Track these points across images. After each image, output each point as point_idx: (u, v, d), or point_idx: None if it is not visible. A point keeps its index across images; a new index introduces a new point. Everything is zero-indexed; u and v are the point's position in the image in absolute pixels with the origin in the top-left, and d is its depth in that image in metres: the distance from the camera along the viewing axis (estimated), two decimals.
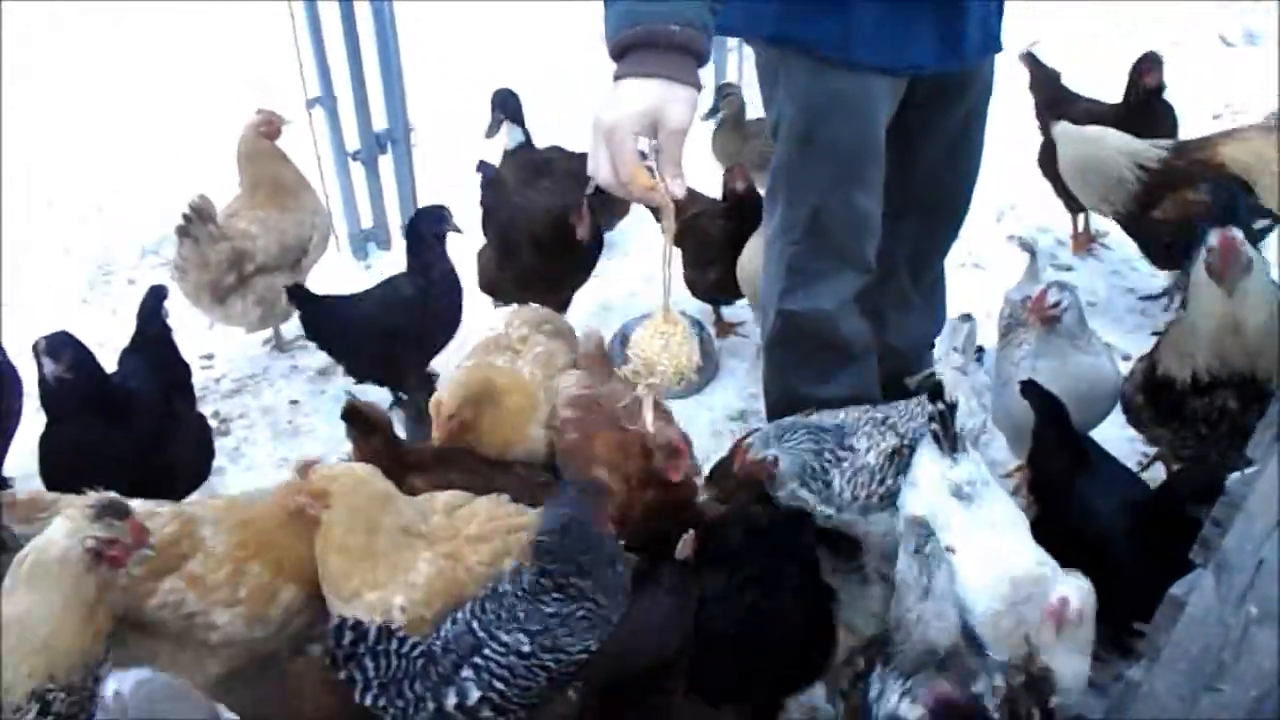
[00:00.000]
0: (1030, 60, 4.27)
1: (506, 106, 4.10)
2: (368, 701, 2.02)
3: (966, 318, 2.62)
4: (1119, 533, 2.43)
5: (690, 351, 1.99)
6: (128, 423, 2.76)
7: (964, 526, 2.27)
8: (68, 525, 2.01)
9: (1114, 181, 3.50)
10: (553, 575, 2.11)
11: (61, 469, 2.69)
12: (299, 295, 3.46)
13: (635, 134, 1.70)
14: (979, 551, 2.23)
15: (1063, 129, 3.63)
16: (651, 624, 2.20)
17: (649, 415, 2.09)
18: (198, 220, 3.48)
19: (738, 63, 5.29)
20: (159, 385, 2.99)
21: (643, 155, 1.73)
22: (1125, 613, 2.30)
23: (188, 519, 2.35)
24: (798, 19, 2.44)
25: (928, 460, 2.37)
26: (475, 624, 2.12)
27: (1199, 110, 4.60)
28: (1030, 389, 2.63)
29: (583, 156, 4.02)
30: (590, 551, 2.12)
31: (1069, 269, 4.24)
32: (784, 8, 2.44)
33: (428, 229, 3.35)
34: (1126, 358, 3.67)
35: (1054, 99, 4.14)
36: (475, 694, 2.05)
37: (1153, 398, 2.78)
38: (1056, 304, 2.73)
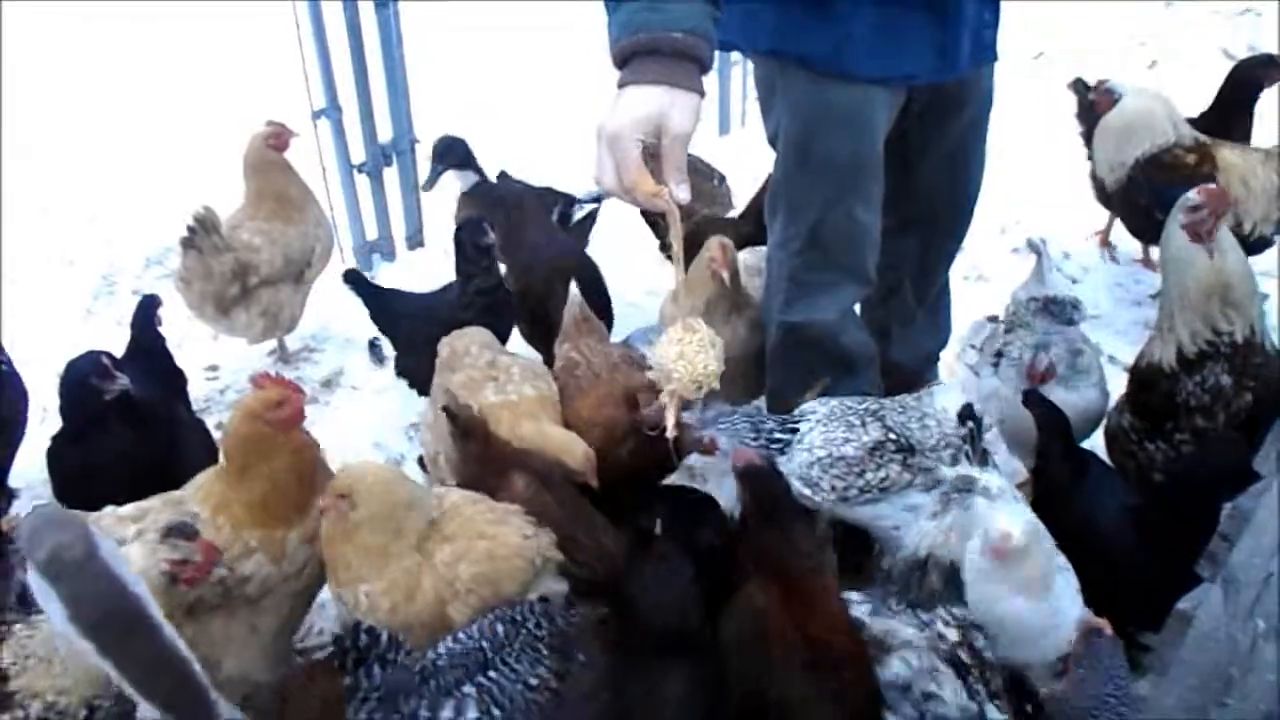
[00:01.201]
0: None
1: (447, 157, 3.95)
2: (363, 716, 1.98)
3: (994, 319, 2.59)
4: (1122, 541, 2.43)
5: (708, 359, 2.00)
6: (137, 431, 2.74)
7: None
8: (144, 548, 2.06)
9: (1148, 143, 3.59)
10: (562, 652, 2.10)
11: (72, 478, 2.70)
12: (355, 279, 3.58)
13: (639, 140, 1.72)
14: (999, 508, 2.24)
15: (1128, 84, 3.70)
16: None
17: (671, 420, 2.10)
18: (202, 231, 3.48)
19: (742, 76, 5.31)
20: (159, 393, 2.98)
21: (646, 161, 1.74)
22: (1130, 621, 2.30)
23: (174, 500, 2.36)
24: (793, 32, 2.44)
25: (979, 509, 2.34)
26: (486, 644, 2.10)
27: None
28: (1032, 398, 2.63)
29: (546, 191, 3.98)
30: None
31: (1074, 281, 4.24)
32: (779, 21, 2.44)
33: (466, 239, 3.37)
34: (1129, 370, 3.68)
35: None
36: (472, 713, 2.02)
37: (1142, 402, 2.76)
38: (1047, 368, 2.78)
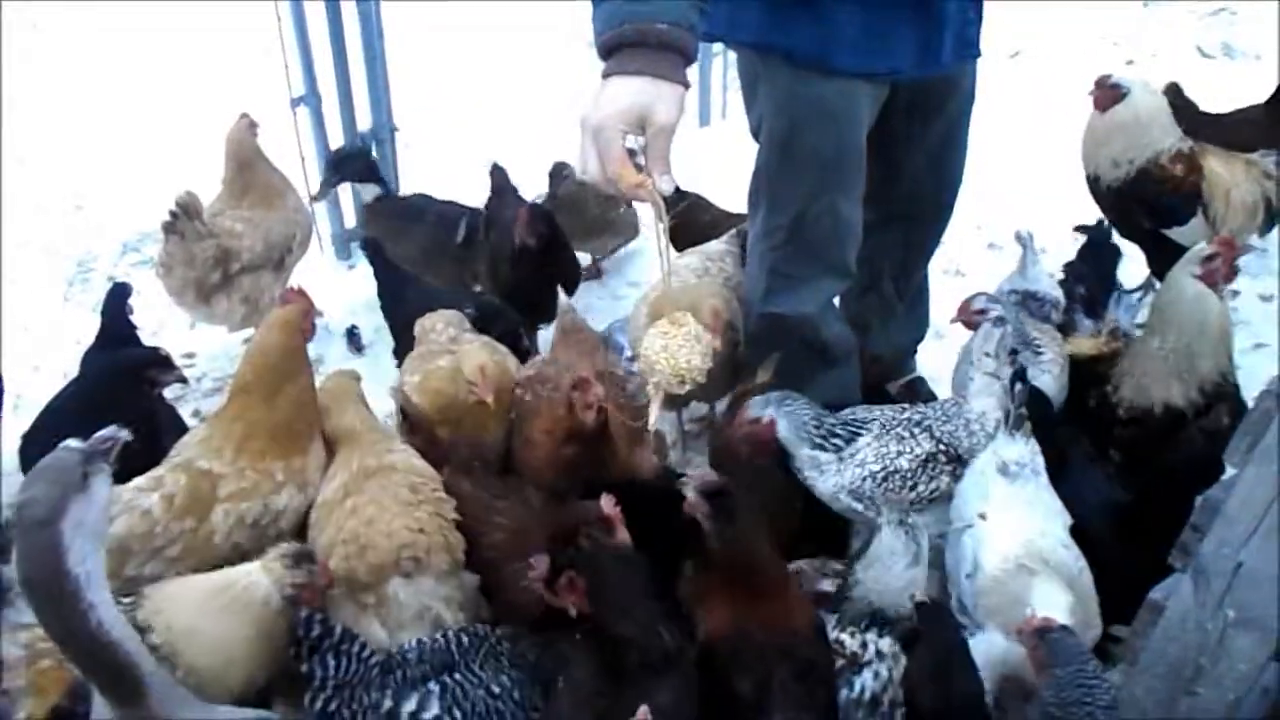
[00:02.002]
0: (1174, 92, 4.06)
1: (344, 168, 3.87)
2: (318, 706, 1.99)
3: (1000, 321, 2.60)
4: (1098, 535, 2.45)
5: (692, 354, 2.01)
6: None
7: (1000, 498, 2.36)
8: (269, 576, 2.14)
9: (1148, 143, 3.44)
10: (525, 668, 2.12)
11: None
12: (374, 246, 3.64)
13: (623, 132, 1.72)
14: (1007, 521, 2.32)
15: (1136, 80, 3.53)
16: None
17: (654, 413, 2.11)
18: (184, 217, 3.46)
19: (723, 68, 5.31)
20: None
21: (631, 153, 1.75)
22: (1107, 615, 2.33)
23: (182, 464, 2.41)
24: (778, 26, 2.45)
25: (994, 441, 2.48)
26: (455, 647, 2.13)
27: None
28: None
29: (449, 203, 3.86)
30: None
31: (1051, 275, 4.27)
32: (764, 14, 2.45)
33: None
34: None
35: (1194, 125, 3.81)
36: (435, 708, 2.03)
37: (1133, 441, 2.78)
38: (980, 311, 2.77)
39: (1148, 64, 5.68)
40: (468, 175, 4.53)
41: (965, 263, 4.26)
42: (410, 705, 2.02)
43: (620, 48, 1.76)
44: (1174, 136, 3.44)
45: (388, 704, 2.02)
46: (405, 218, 3.82)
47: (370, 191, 3.91)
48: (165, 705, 1.62)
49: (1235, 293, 4.00)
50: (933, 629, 2.01)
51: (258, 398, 2.47)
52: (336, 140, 4.26)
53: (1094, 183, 3.61)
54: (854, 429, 2.58)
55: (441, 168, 4.14)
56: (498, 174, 3.84)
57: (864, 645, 2.16)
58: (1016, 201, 4.46)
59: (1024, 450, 2.40)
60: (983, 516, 2.30)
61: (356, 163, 3.85)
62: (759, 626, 2.05)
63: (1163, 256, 3.53)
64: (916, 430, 2.57)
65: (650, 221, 2.63)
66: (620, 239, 4.22)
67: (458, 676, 2.07)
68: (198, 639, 2.06)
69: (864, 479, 2.51)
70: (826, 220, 2.69)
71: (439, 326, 3.07)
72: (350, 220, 4.48)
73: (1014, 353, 2.74)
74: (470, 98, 5.49)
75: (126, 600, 2.06)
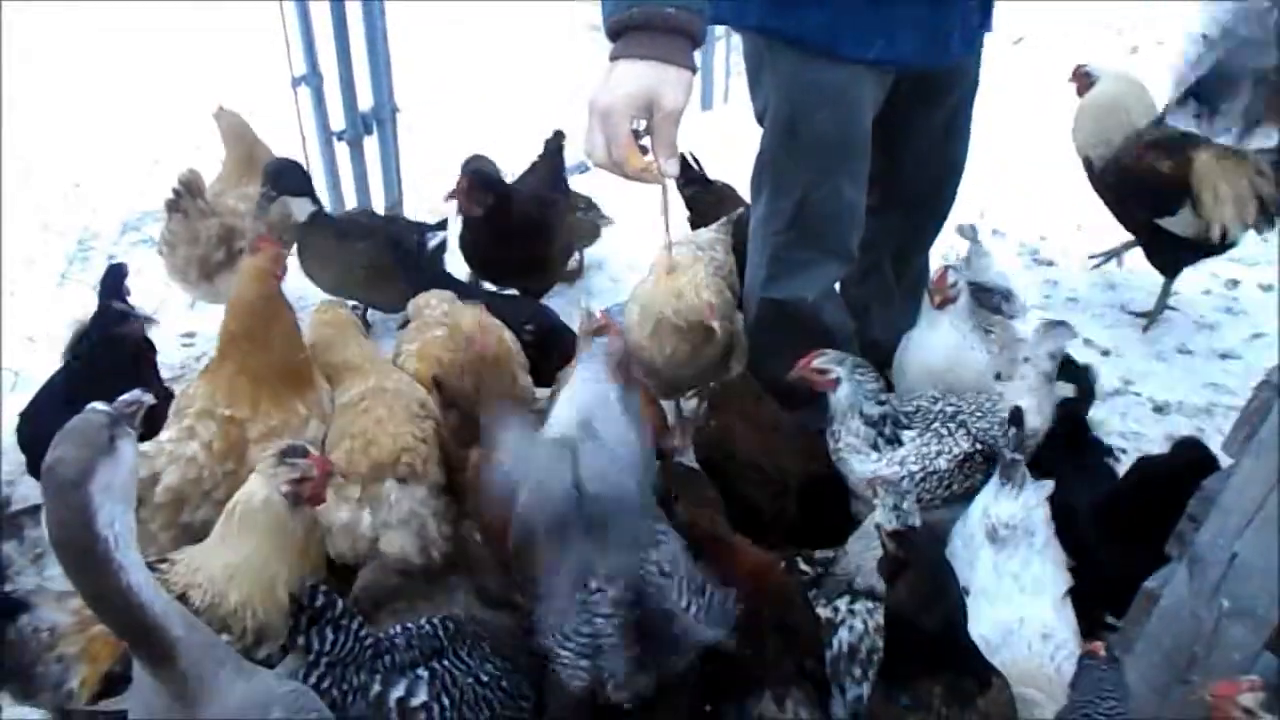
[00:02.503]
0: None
1: (280, 182, 3.57)
2: (312, 680, 1.97)
3: (1060, 324, 2.51)
4: (1095, 530, 2.45)
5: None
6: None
7: (986, 569, 2.22)
8: (261, 477, 2.16)
9: (1136, 123, 3.60)
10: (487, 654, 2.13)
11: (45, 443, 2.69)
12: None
13: (630, 116, 1.72)
14: (986, 604, 2.16)
15: (1105, 68, 3.75)
16: None
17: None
18: (187, 195, 3.45)
19: (725, 52, 5.30)
20: (130, 362, 2.94)
21: (636, 135, 1.75)
22: (1099, 602, 2.34)
23: (205, 412, 2.48)
24: (784, 10, 2.43)
25: (987, 488, 2.34)
26: (442, 633, 2.12)
27: None
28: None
29: (386, 219, 3.82)
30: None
31: (1050, 264, 4.28)
32: (770, 0, 2.44)
33: None
34: (1105, 353, 3.73)
35: None
36: (423, 694, 2.02)
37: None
38: (954, 285, 2.78)
39: (1152, 51, 5.66)
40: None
41: (966, 250, 4.26)
42: (399, 691, 2.01)
43: (628, 30, 1.76)
44: (1142, 123, 3.59)
45: (376, 688, 2.01)
46: (345, 235, 3.59)
47: (304, 208, 3.60)
48: (198, 667, 1.61)
49: (1235, 282, 4.01)
50: (918, 552, 1.97)
51: (252, 347, 2.52)
52: (338, 121, 4.25)
53: (1088, 168, 3.68)
54: (904, 421, 2.54)
55: (443, 149, 4.12)
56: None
57: (835, 610, 2.19)
58: (1019, 188, 4.46)
59: (1016, 507, 2.25)
60: (965, 590, 2.12)
61: (291, 176, 3.61)
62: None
63: (1159, 248, 3.66)
64: (954, 427, 2.54)
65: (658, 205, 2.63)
66: (581, 244, 4.16)
67: (446, 663, 2.07)
68: (233, 574, 2.11)
69: (902, 478, 2.48)
70: (831, 204, 2.68)
71: (433, 302, 3.07)
72: (351, 200, 4.48)
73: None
74: (473, 79, 5.47)
75: (161, 567, 2.13)
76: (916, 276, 3.29)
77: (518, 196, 3.60)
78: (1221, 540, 1.89)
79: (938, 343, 2.79)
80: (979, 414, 2.56)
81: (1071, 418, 2.71)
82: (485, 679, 2.07)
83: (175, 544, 2.31)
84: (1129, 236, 3.90)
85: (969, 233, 3.21)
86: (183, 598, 2.07)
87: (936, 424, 2.55)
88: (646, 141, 1.77)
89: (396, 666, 2.04)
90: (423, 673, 2.04)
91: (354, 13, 4.05)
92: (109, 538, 1.52)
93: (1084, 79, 3.80)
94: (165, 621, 1.58)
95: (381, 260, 3.55)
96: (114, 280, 3.10)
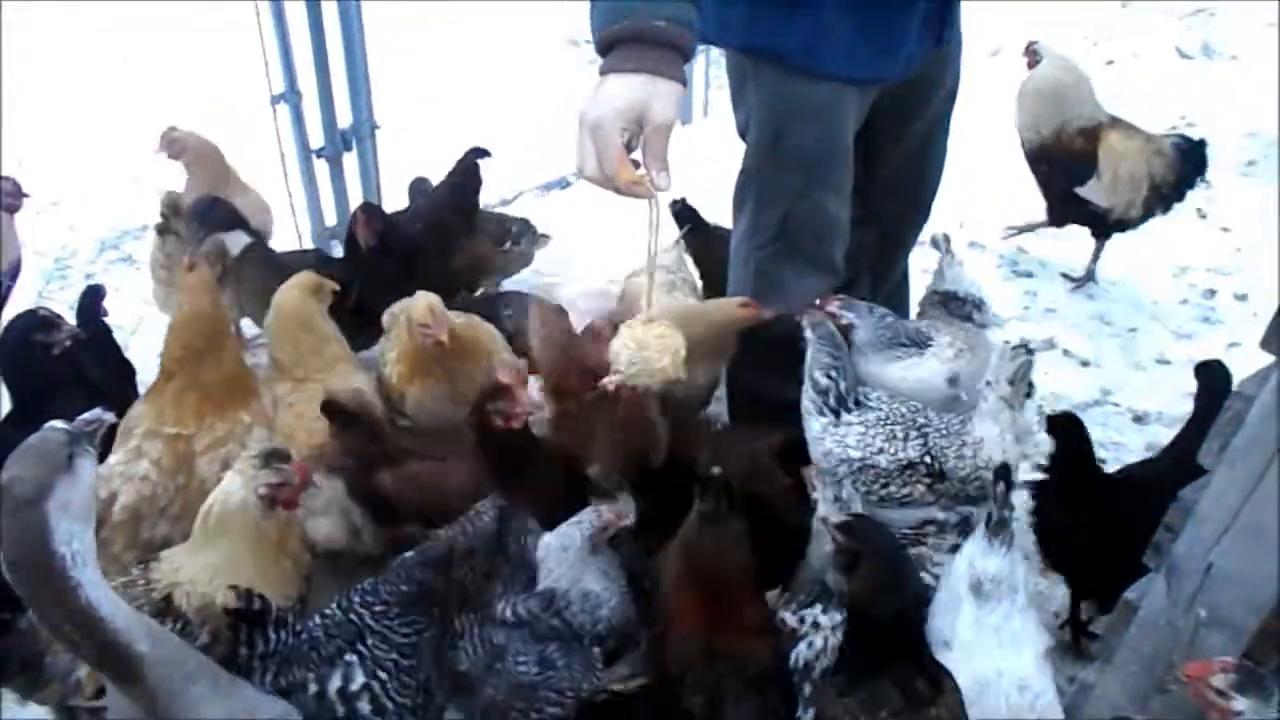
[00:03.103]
0: None
1: (209, 220, 3.48)
2: (268, 679, 2.00)
3: (1025, 349, 2.46)
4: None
5: (663, 359, 2.00)
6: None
7: (967, 622, 2.16)
8: (240, 477, 2.17)
9: (1065, 114, 3.88)
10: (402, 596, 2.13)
11: None
12: None
13: (621, 129, 1.71)
14: (966, 657, 2.11)
15: (1053, 51, 3.93)
16: None
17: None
18: (174, 216, 3.44)
19: (705, 66, 5.32)
20: (107, 379, 2.94)
21: (628, 149, 1.73)
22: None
23: (151, 432, 2.51)
24: (766, 27, 2.45)
25: (970, 540, 2.27)
26: (354, 617, 2.11)
27: (1157, 120, 4.68)
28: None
29: (315, 252, 3.75)
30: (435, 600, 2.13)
31: (1029, 275, 4.30)
32: (753, 16, 2.45)
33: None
34: (1085, 364, 3.75)
35: None
36: (360, 678, 2.03)
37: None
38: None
39: (1128, 63, 5.72)
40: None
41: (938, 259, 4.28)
42: (336, 681, 2.03)
43: (618, 44, 1.75)
44: (1084, 109, 3.85)
45: (314, 686, 2.02)
46: (278, 270, 3.38)
47: (237, 241, 3.48)
48: (167, 682, 1.62)
49: (1212, 292, 4.04)
50: (869, 541, 2.01)
51: (204, 359, 2.56)
52: (317, 138, 4.25)
53: (1022, 141, 3.93)
54: (862, 400, 2.57)
55: (423, 166, 4.11)
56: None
57: (802, 620, 2.19)
58: (998, 200, 4.49)
59: (1003, 564, 2.17)
60: (947, 645, 2.11)
61: (218, 212, 3.48)
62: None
63: (1065, 210, 4.05)
64: (914, 434, 2.52)
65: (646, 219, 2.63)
66: (510, 273, 4.08)
67: (370, 642, 2.08)
68: (215, 574, 2.13)
69: (840, 462, 2.50)
70: (815, 218, 2.70)
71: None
72: (331, 218, 4.47)
73: (1031, 385, 2.59)
74: (453, 96, 5.47)
75: (138, 570, 2.17)
76: (896, 287, 3.31)
77: (404, 222, 3.54)
78: (1198, 550, 1.89)
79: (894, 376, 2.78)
80: (943, 432, 2.53)
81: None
82: (407, 649, 2.08)
83: (138, 561, 2.31)
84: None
85: (940, 243, 3.22)
86: (167, 599, 2.10)
87: (895, 425, 2.53)
88: (638, 155, 1.76)
89: (325, 659, 2.06)
90: (351, 658, 2.06)
91: (332, 30, 4.05)
92: (66, 555, 1.51)
93: (1032, 55, 3.99)
94: (128, 638, 1.58)
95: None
96: (92, 301, 3.09)
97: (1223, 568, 1.86)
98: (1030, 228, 4.35)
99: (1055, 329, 3.84)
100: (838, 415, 2.54)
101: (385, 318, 3.11)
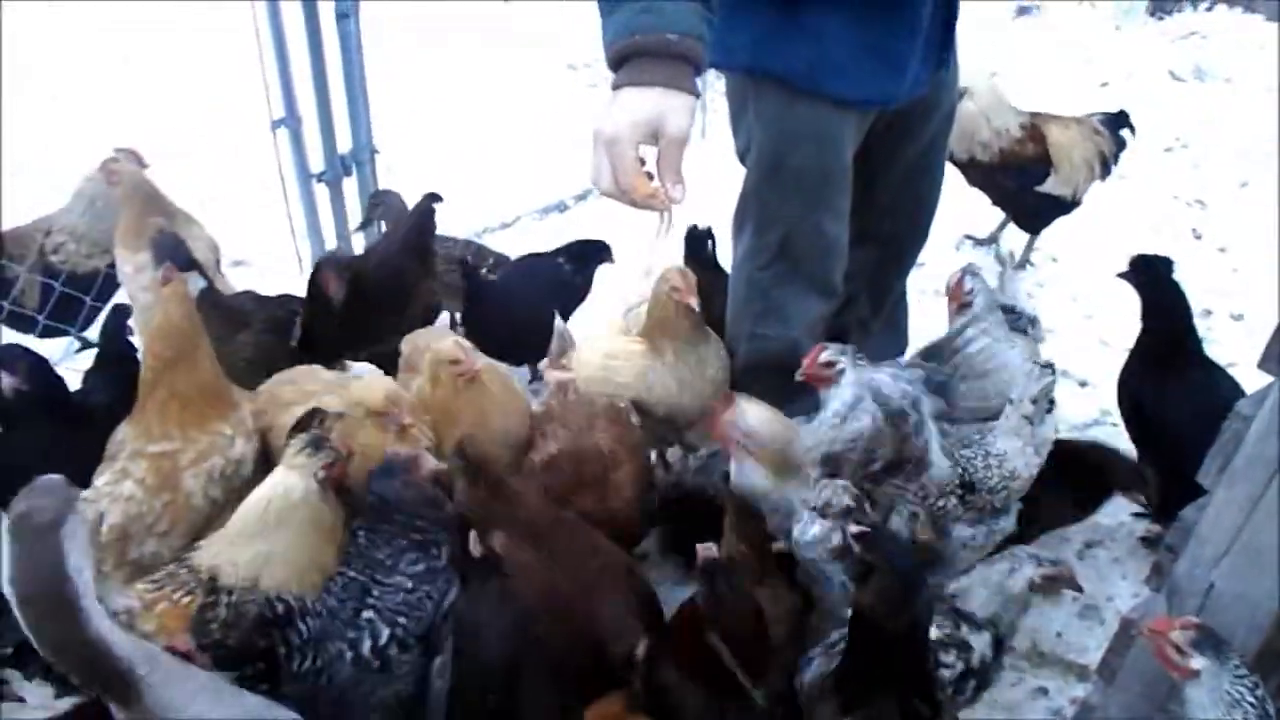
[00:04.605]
0: None
1: (178, 255, 3.25)
2: (305, 666, 2.05)
3: (1049, 368, 2.53)
4: None
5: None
6: (88, 433, 2.71)
7: None
8: (295, 471, 2.25)
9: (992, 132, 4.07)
10: (389, 535, 2.17)
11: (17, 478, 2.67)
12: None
13: (636, 142, 1.72)
14: None
15: (981, 82, 4.04)
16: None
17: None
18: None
19: (702, 88, 5.34)
20: (123, 400, 2.92)
21: (642, 162, 1.74)
22: None
23: (135, 453, 2.54)
24: (770, 51, 2.47)
25: None
26: (351, 570, 2.17)
27: (1150, 141, 4.72)
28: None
29: (279, 300, 3.53)
30: (427, 508, 2.19)
31: (1029, 296, 4.31)
32: (756, 38, 2.47)
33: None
34: (1083, 384, 3.76)
35: None
36: (385, 632, 2.09)
37: None
38: (969, 290, 2.86)
39: (1121, 85, 5.77)
40: (448, 199, 4.54)
41: (945, 283, 4.29)
42: (366, 643, 2.09)
43: (631, 58, 1.76)
44: (1012, 118, 4.07)
45: (349, 654, 2.08)
46: (231, 322, 3.30)
47: (196, 284, 3.26)
48: (161, 705, 1.66)
49: (1208, 312, 4.05)
50: (885, 555, 2.01)
51: (182, 369, 2.57)
52: (317, 163, 4.26)
53: (967, 165, 4.06)
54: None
55: (422, 190, 4.12)
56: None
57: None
58: (997, 220, 4.50)
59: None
60: None
61: (181, 254, 3.24)
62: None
63: (1028, 211, 4.24)
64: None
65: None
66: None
67: (376, 593, 2.13)
68: (270, 565, 2.21)
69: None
70: (813, 240, 2.72)
71: (425, 343, 3.07)
72: (331, 242, 4.48)
73: (1051, 403, 2.65)
74: (452, 120, 5.49)
75: (180, 559, 2.28)
76: (894, 306, 3.33)
77: (367, 269, 3.44)
78: (1199, 571, 1.90)
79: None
80: (964, 444, 2.57)
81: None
82: (410, 585, 2.14)
83: (127, 582, 2.34)
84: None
85: (1005, 259, 3.26)
86: (212, 578, 2.20)
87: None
88: (653, 168, 1.76)
89: (348, 624, 2.11)
90: (368, 614, 2.11)
91: (332, 55, 4.07)
92: (78, 584, 1.57)
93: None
94: (129, 664, 1.63)
95: (259, 353, 3.27)
96: (118, 321, 3.10)
97: (1223, 588, 1.86)
98: (993, 238, 4.47)
99: (1053, 349, 3.84)
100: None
101: (405, 346, 3.09)
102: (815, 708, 2.07)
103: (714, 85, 4.96)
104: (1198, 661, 1.73)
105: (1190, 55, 6.09)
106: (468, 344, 2.77)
